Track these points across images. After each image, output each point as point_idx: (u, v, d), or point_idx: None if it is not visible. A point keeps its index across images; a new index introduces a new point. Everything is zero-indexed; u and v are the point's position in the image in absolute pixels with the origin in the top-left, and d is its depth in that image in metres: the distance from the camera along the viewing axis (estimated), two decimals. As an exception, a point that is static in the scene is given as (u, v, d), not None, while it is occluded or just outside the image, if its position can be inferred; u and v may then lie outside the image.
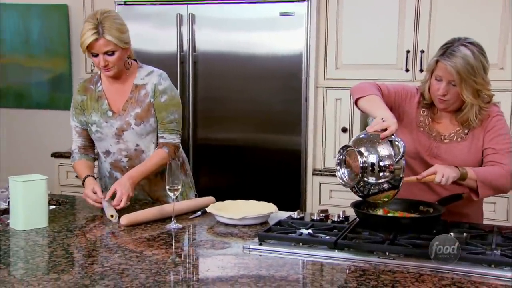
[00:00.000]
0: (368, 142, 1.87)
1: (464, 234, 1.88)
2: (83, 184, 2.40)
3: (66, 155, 4.05)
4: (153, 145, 2.47)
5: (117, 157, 2.47)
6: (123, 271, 1.59)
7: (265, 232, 1.90)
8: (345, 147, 1.92)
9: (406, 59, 3.36)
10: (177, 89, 3.55)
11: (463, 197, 2.08)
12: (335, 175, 3.44)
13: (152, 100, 2.40)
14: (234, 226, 2.07)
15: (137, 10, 3.70)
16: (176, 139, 2.47)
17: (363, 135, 1.93)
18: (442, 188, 2.09)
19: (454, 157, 2.06)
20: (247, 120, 3.61)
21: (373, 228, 1.90)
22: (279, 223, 2.02)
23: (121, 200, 2.22)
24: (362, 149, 1.85)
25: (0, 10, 4.54)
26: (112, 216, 2.15)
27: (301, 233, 1.88)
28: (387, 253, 1.71)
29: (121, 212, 2.19)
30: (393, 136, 1.86)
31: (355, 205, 2.01)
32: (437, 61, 2.04)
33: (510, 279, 1.54)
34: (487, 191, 2.01)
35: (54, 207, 2.39)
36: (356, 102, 2.13)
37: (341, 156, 1.93)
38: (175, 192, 2.10)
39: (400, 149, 1.83)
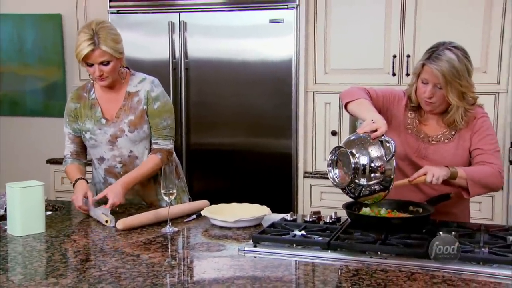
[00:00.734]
0: (359, 143, 1.87)
1: (453, 233, 1.88)
2: (73, 186, 2.38)
3: (61, 161, 3.99)
4: (147, 151, 2.45)
5: (111, 163, 2.45)
6: (120, 275, 1.58)
7: (259, 234, 1.90)
8: (337, 148, 1.92)
9: (393, 64, 3.37)
10: (169, 95, 3.55)
11: (451, 197, 2.09)
12: (325, 178, 3.48)
13: (145, 107, 2.39)
14: (229, 228, 2.07)
15: (130, 18, 3.69)
16: (169, 144, 2.46)
17: (354, 137, 1.92)
18: (430, 188, 2.10)
19: (441, 157, 2.07)
20: (239, 125, 3.60)
21: (364, 229, 1.90)
22: (273, 225, 2.01)
23: (111, 207, 2.22)
24: (354, 150, 1.85)
25: (-6, 20, 4.51)
26: (107, 221, 2.13)
27: (295, 235, 1.87)
28: (379, 253, 1.71)
29: (117, 216, 2.17)
30: (383, 137, 1.86)
31: (347, 206, 2.01)
32: (423, 65, 2.05)
33: (498, 276, 1.55)
34: (477, 189, 2.02)
35: (50, 212, 2.37)
36: (345, 106, 2.13)
37: (333, 156, 1.93)
38: (170, 196, 2.09)
39: (391, 149, 1.83)
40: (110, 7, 3.75)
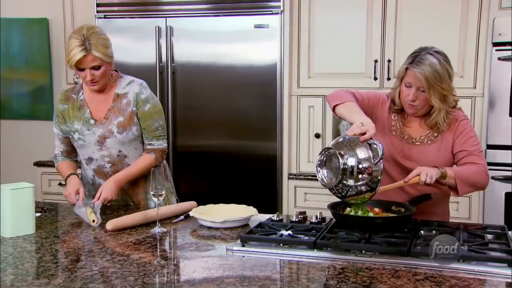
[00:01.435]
0: (348, 145, 1.89)
1: (433, 231, 1.92)
2: (65, 181, 2.38)
3: (49, 164, 3.98)
4: (135, 150, 2.45)
5: (100, 163, 2.44)
6: (111, 275, 1.57)
7: (247, 234, 1.90)
8: (326, 149, 1.94)
9: (374, 68, 3.41)
10: (157, 98, 3.56)
11: (431, 197, 2.13)
12: (309, 179, 3.51)
13: (134, 109, 2.39)
14: (217, 229, 2.07)
15: (117, 23, 3.68)
16: (163, 144, 2.48)
17: (342, 139, 1.94)
18: (413, 188, 2.13)
19: (425, 158, 2.10)
20: (225, 127, 3.61)
21: (349, 228, 1.92)
22: (260, 225, 2.02)
23: (102, 202, 2.26)
24: (342, 152, 1.87)
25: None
26: (93, 221, 2.12)
27: (282, 234, 1.89)
28: (364, 252, 1.73)
29: (106, 217, 2.17)
30: (371, 140, 1.89)
31: (331, 207, 2.03)
32: (406, 69, 2.08)
33: (477, 272, 1.58)
34: (466, 188, 2.06)
35: (39, 214, 2.34)
36: (333, 109, 2.15)
37: (322, 157, 1.94)
38: (159, 198, 2.08)
39: (379, 152, 1.86)
40: (97, 11, 3.74)
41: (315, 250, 1.76)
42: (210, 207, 2.26)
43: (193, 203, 2.38)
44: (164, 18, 3.61)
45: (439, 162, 2.10)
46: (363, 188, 1.87)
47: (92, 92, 2.41)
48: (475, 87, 3.27)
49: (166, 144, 2.50)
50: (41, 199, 3.84)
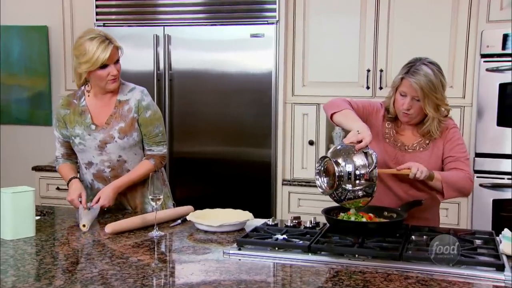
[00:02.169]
0: (345, 153, 1.91)
1: (424, 236, 1.94)
2: (67, 185, 2.39)
3: (47, 168, 3.98)
4: (135, 156, 2.45)
5: (100, 167, 2.44)
6: (111, 276, 1.58)
7: (243, 238, 1.91)
8: (323, 157, 1.96)
9: (367, 78, 3.43)
10: (154, 105, 3.56)
11: (422, 203, 2.15)
12: (303, 185, 3.53)
13: (135, 115, 2.40)
14: (213, 233, 2.08)
15: (116, 31, 3.67)
16: (163, 149, 2.50)
17: (340, 146, 1.97)
18: (404, 193, 2.15)
19: (416, 165, 2.12)
20: (221, 134, 3.62)
21: (342, 233, 1.93)
22: (256, 229, 2.03)
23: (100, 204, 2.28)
24: (340, 159, 1.90)
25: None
26: (84, 225, 2.12)
27: (277, 239, 1.90)
28: (357, 256, 1.75)
29: (104, 221, 2.17)
30: (366, 148, 1.91)
31: (326, 212, 2.04)
32: (402, 78, 2.11)
33: (467, 276, 1.60)
34: (451, 192, 2.09)
35: (38, 217, 2.34)
36: (331, 117, 2.16)
37: (320, 166, 1.97)
38: (157, 202, 2.09)
39: (373, 160, 1.88)
40: (97, 19, 3.75)
41: (310, 254, 1.77)
42: (206, 211, 2.27)
43: (190, 207, 2.39)
44: (162, 27, 3.63)
45: (430, 169, 2.12)
46: (360, 193, 1.90)
47: (95, 97, 2.42)
48: (464, 97, 3.31)
49: (166, 150, 2.52)
50: (39, 203, 3.82)
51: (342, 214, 2.07)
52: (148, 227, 2.14)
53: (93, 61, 2.25)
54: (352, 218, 2.01)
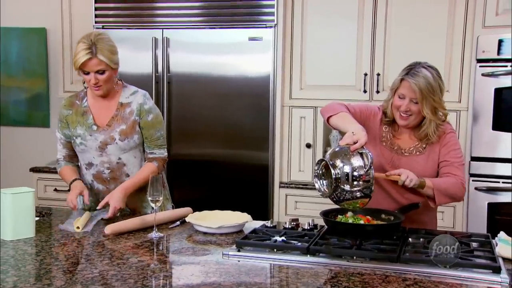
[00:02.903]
0: (342, 154, 1.93)
1: (421, 239, 1.95)
2: (69, 186, 2.39)
3: (45, 170, 3.97)
4: (134, 159, 2.46)
5: (99, 169, 2.45)
6: (112, 277, 1.58)
7: (242, 239, 1.92)
8: (321, 160, 1.98)
9: (364, 81, 3.45)
10: (153, 107, 3.57)
11: (419, 206, 2.16)
12: (300, 188, 3.54)
13: (137, 118, 2.41)
14: (212, 234, 2.09)
15: (115, 34, 3.66)
16: (164, 152, 2.52)
17: (337, 149, 1.99)
18: (401, 197, 2.17)
19: (413, 168, 2.14)
20: (219, 137, 3.63)
21: (341, 235, 1.94)
22: (254, 231, 2.04)
23: (113, 212, 2.28)
24: (337, 161, 1.91)
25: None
26: (78, 227, 2.11)
27: (276, 240, 1.91)
28: (355, 257, 1.76)
29: (103, 222, 2.18)
30: (362, 149, 1.93)
31: (324, 214, 2.05)
32: (401, 80, 2.13)
33: (464, 278, 1.61)
34: (443, 198, 2.10)
35: (38, 218, 2.34)
36: (328, 120, 2.18)
37: (318, 170, 1.99)
38: (157, 203, 2.10)
39: (368, 160, 1.90)
40: (96, 22, 3.76)
41: (308, 256, 1.78)
42: (205, 213, 2.28)
43: (189, 209, 2.39)
44: (161, 30, 3.64)
45: (427, 173, 2.14)
46: (358, 194, 1.91)
47: (96, 99, 2.43)
48: (460, 101, 3.33)
49: (166, 153, 2.53)
50: (37, 204, 3.81)
51: (340, 216, 2.08)
52: (147, 229, 2.14)
53: (74, 62, 2.29)
54: (350, 221, 2.03)
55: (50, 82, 4.46)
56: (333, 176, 1.89)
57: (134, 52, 3.69)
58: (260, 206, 3.56)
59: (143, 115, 2.42)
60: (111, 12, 3.76)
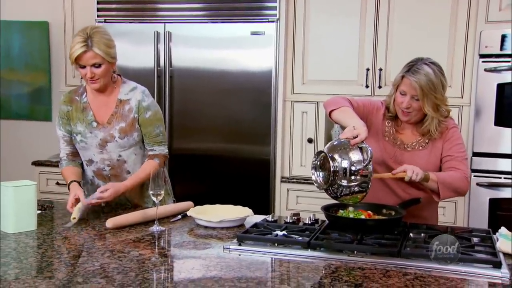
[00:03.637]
0: (341, 148, 1.93)
1: (422, 234, 1.96)
2: (68, 188, 2.37)
3: (46, 163, 3.98)
4: (135, 156, 2.45)
5: (100, 166, 2.45)
6: (113, 270, 1.59)
7: (243, 233, 1.93)
8: (320, 152, 1.97)
9: (366, 76, 3.45)
10: (154, 102, 3.56)
11: (421, 201, 2.16)
12: (301, 182, 3.54)
13: (136, 115, 2.40)
14: (213, 228, 2.09)
15: (117, 27, 3.68)
16: (165, 149, 2.49)
17: (336, 142, 1.98)
18: (403, 192, 2.17)
19: (415, 163, 2.13)
20: (220, 131, 3.63)
21: (341, 230, 1.95)
22: (256, 225, 2.05)
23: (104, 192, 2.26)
24: (336, 155, 1.91)
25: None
26: (74, 218, 2.12)
27: (277, 234, 1.91)
28: (356, 252, 1.76)
29: (105, 216, 2.18)
30: (362, 143, 1.92)
31: (325, 209, 2.06)
32: (402, 77, 2.12)
33: (464, 273, 1.61)
34: (447, 192, 2.09)
35: (39, 211, 2.35)
36: (329, 114, 2.18)
37: (316, 161, 1.98)
38: (158, 197, 2.10)
39: (368, 154, 1.89)
40: (98, 16, 3.75)
41: (309, 250, 1.78)
42: (206, 207, 2.28)
43: (190, 203, 2.39)
44: (163, 24, 3.63)
45: (429, 168, 2.14)
46: (355, 188, 1.91)
47: (95, 94, 2.42)
48: (462, 97, 3.32)
49: (167, 150, 2.51)
50: (39, 198, 3.82)
51: (341, 211, 2.09)
52: (148, 222, 2.15)
53: (69, 55, 2.26)
54: (351, 215, 2.03)
55: (52, 76, 4.46)
56: (331, 169, 1.88)
57: (136, 46, 3.68)
58: (262, 201, 3.57)
59: (141, 112, 2.40)
60: (113, 6, 3.76)
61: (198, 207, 2.28)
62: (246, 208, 2.24)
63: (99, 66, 2.28)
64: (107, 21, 3.73)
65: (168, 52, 3.63)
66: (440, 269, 1.64)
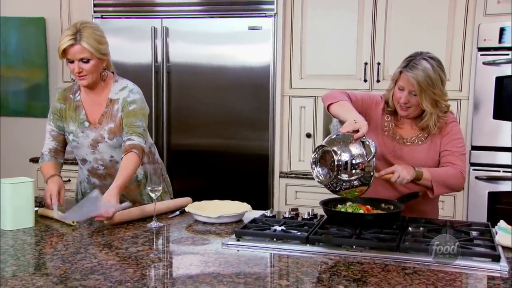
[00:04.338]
0: (342, 142, 1.92)
1: (421, 228, 1.95)
2: (46, 182, 2.29)
3: (44, 160, 3.96)
4: None
5: (94, 165, 2.43)
6: (111, 266, 1.59)
7: (242, 229, 1.92)
8: (320, 146, 1.96)
9: (364, 70, 3.44)
10: (151, 98, 3.57)
11: (419, 196, 2.16)
12: (300, 177, 3.54)
13: (121, 114, 2.33)
14: (212, 224, 2.09)
15: (114, 23, 3.68)
16: (142, 142, 2.29)
17: (336, 136, 1.97)
18: (402, 186, 2.16)
19: (414, 158, 2.13)
20: (218, 127, 3.62)
21: (340, 224, 1.94)
22: (254, 220, 2.04)
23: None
24: (336, 148, 1.90)
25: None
26: (73, 222, 2.06)
27: (275, 230, 1.90)
28: (354, 247, 1.76)
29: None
30: (364, 137, 1.91)
31: (324, 203, 2.05)
32: (400, 72, 2.11)
33: (463, 267, 1.61)
34: (441, 189, 2.10)
35: (37, 208, 2.34)
36: (328, 108, 2.17)
37: (316, 155, 1.97)
38: (156, 193, 2.09)
39: (372, 149, 1.88)
40: (94, 11, 3.74)
41: (308, 245, 1.78)
42: (205, 203, 2.27)
43: (188, 199, 2.39)
44: (160, 19, 3.62)
45: (428, 162, 2.13)
46: (356, 182, 1.90)
47: (87, 93, 2.38)
48: (461, 90, 3.32)
49: (145, 146, 2.32)
50: (36, 195, 3.82)
51: (340, 205, 2.08)
52: (146, 218, 2.14)
53: (57, 48, 2.21)
54: (350, 210, 2.03)
55: (49, 72, 4.46)
56: (336, 163, 1.87)
57: (133, 42, 3.67)
58: (260, 196, 3.57)
59: (125, 106, 2.32)
60: (110, 2, 3.74)
61: (196, 202, 2.28)
62: (245, 204, 2.24)
63: (87, 61, 2.22)
64: (104, 16, 3.71)
65: (166, 48, 3.62)
66: (439, 263, 1.63)
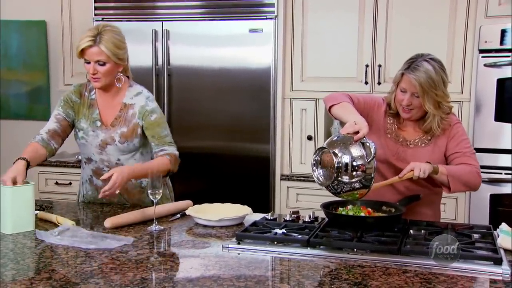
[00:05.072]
0: (342, 143, 1.91)
1: (423, 231, 1.94)
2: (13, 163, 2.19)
3: (45, 163, 3.92)
4: (134, 161, 2.41)
5: (99, 165, 2.43)
6: (111, 270, 1.58)
7: (242, 232, 1.91)
8: (321, 148, 1.95)
9: (365, 73, 3.43)
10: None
11: (420, 198, 2.15)
12: (301, 180, 3.53)
13: (139, 121, 2.35)
14: (212, 227, 2.08)
15: (115, 26, 3.67)
16: (175, 150, 2.39)
17: (336, 137, 1.96)
18: (404, 188, 2.15)
19: (418, 160, 2.11)
20: (219, 130, 3.62)
21: (341, 227, 1.94)
22: (255, 223, 2.04)
23: (111, 187, 2.10)
24: (336, 150, 1.89)
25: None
26: (73, 224, 2.06)
27: (276, 233, 1.90)
28: (355, 250, 1.75)
29: (103, 215, 2.17)
30: (364, 139, 1.91)
31: (324, 206, 2.04)
32: (402, 74, 2.11)
33: (465, 270, 1.60)
34: (458, 185, 2.08)
35: (38, 212, 2.34)
36: (329, 110, 2.16)
37: (317, 157, 1.96)
38: (157, 196, 2.09)
39: (372, 151, 1.88)
40: (95, 14, 3.74)
41: (309, 248, 1.77)
42: (205, 206, 2.27)
43: (189, 202, 2.38)
44: (161, 22, 3.62)
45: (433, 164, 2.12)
46: (357, 185, 1.89)
47: (101, 94, 2.39)
48: (462, 92, 3.31)
49: (178, 152, 2.41)
50: (38, 198, 3.81)
51: (341, 208, 2.07)
52: (147, 221, 2.14)
53: (76, 47, 2.23)
54: (351, 213, 2.02)
55: (50, 75, 4.46)
56: (336, 165, 1.86)
57: (134, 44, 3.62)
58: (261, 199, 3.56)
59: (146, 116, 2.35)
60: (110, 5, 3.74)
61: (197, 206, 2.27)
62: (245, 207, 2.23)
63: (103, 64, 2.24)
64: (104, 19, 3.71)
65: (166, 51, 3.61)
66: (441, 266, 1.63)
